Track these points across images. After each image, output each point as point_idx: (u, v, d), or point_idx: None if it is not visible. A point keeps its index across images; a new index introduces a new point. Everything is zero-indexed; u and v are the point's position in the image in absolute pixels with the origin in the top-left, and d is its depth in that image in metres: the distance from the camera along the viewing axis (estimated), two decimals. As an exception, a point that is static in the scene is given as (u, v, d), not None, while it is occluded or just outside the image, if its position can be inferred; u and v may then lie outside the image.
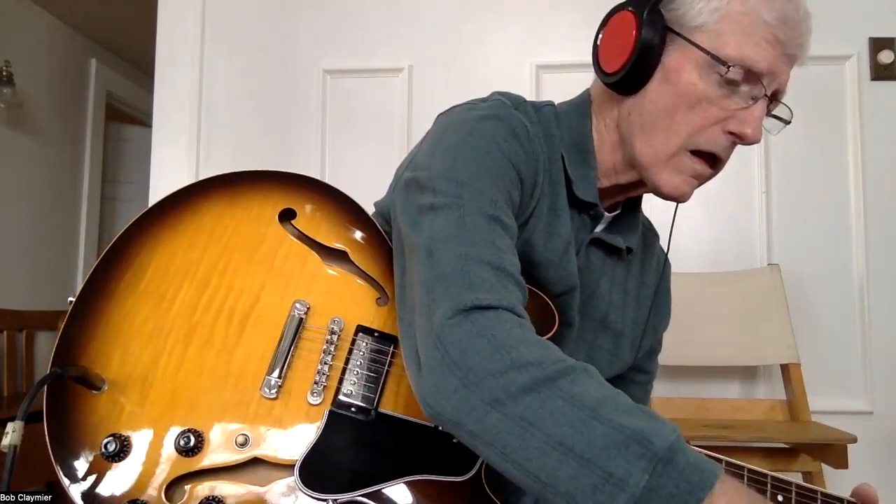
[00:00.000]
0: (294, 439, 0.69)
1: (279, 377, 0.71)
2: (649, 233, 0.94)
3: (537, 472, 0.51)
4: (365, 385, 0.73)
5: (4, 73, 2.97)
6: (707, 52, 0.69)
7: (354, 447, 0.69)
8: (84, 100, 3.67)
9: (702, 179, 0.75)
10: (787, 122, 0.75)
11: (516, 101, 0.79)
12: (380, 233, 0.79)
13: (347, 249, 0.78)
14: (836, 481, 1.67)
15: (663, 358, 1.81)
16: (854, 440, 1.52)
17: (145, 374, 0.71)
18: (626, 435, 0.49)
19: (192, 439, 0.67)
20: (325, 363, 0.73)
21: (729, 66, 0.68)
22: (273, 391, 0.71)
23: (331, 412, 0.71)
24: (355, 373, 0.73)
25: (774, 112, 0.74)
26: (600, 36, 0.77)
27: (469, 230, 0.63)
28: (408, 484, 0.68)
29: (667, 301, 0.95)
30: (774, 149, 2.04)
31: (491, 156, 0.69)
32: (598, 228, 0.83)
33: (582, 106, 0.82)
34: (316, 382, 0.72)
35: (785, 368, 1.87)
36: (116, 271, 0.75)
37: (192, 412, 0.70)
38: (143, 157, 2.78)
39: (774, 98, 0.72)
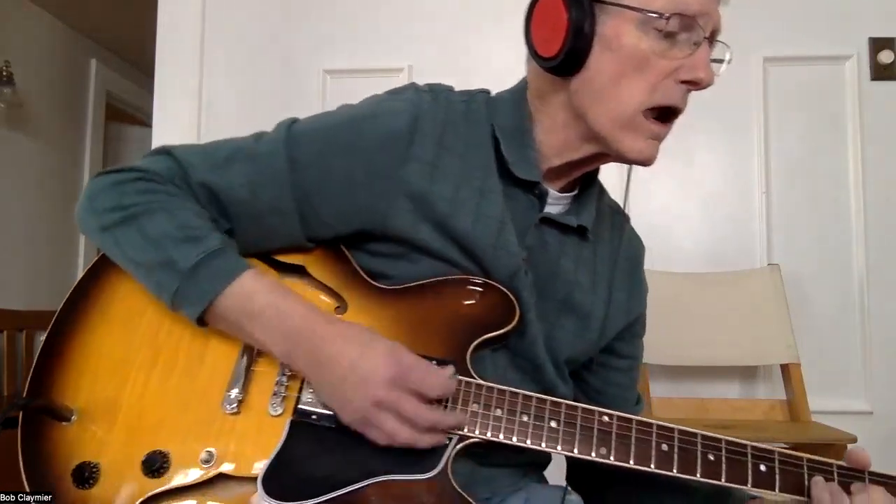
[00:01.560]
0: (257, 452, 0.69)
1: (239, 392, 0.71)
2: (618, 215, 0.93)
3: (134, 272, 0.75)
4: None
5: (4, 73, 2.97)
6: (641, 10, 0.69)
7: (318, 454, 0.69)
8: (84, 100, 3.67)
9: (660, 139, 0.75)
10: (727, 62, 0.76)
11: (438, 90, 0.80)
12: (336, 242, 0.80)
13: (305, 264, 0.79)
14: (836, 481, 1.67)
15: (663, 358, 1.83)
16: (854, 440, 1.53)
17: (113, 400, 0.72)
18: (168, 260, 0.70)
19: (158, 460, 0.69)
20: (284, 374, 0.73)
21: (668, 18, 0.68)
22: (234, 406, 0.71)
23: (292, 422, 0.70)
24: None
25: (713, 56, 0.74)
26: (530, 23, 0.77)
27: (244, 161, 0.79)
28: (372, 486, 0.67)
29: (639, 281, 0.93)
30: (774, 149, 2.04)
31: (347, 136, 0.76)
32: (556, 210, 0.82)
33: (519, 92, 0.83)
34: (275, 394, 0.72)
35: (785, 368, 1.87)
36: (84, 304, 0.77)
37: (158, 434, 0.71)
38: (143, 157, 2.77)
39: (712, 38, 0.73)
